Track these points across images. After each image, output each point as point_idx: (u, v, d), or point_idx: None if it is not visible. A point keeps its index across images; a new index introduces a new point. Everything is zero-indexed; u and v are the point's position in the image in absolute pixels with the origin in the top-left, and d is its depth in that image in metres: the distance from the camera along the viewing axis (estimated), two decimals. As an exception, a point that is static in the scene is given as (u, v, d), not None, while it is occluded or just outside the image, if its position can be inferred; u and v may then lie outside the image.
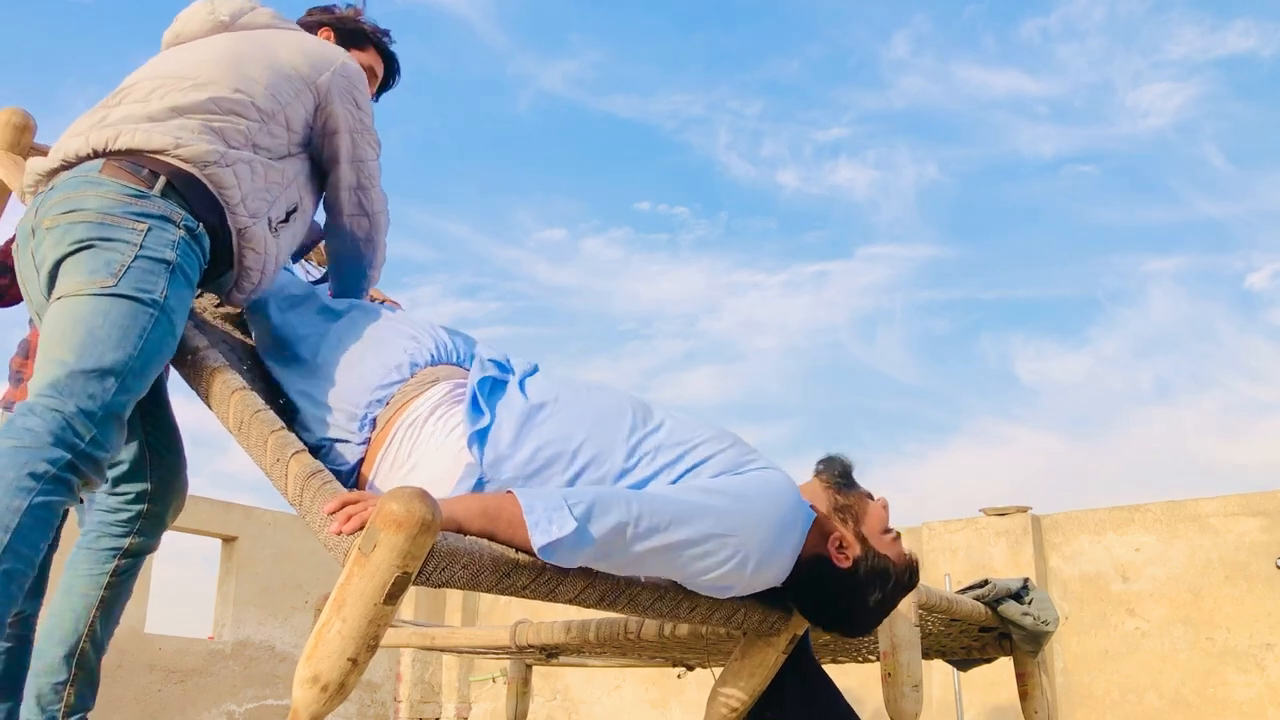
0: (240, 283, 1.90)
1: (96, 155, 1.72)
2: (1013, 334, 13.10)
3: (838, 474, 1.87)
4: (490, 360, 1.82)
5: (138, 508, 1.94)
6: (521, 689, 3.95)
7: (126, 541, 1.93)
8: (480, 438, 1.64)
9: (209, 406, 1.77)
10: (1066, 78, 12.59)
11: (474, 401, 1.69)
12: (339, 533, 1.34)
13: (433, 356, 1.85)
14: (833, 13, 13.27)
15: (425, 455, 1.68)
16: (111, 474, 1.94)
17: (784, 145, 13.59)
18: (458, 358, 1.90)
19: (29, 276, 1.77)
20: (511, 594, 1.45)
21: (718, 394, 13.97)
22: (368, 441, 1.75)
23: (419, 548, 1.23)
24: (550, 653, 3.41)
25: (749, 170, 13.55)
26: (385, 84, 2.41)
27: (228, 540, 6.36)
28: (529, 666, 3.96)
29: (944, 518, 5.89)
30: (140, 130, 1.72)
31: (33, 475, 1.45)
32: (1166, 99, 12.37)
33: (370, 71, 2.29)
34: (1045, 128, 12.60)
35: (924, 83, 12.95)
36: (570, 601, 1.52)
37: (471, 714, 7.21)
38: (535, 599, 1.49)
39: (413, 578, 1.27)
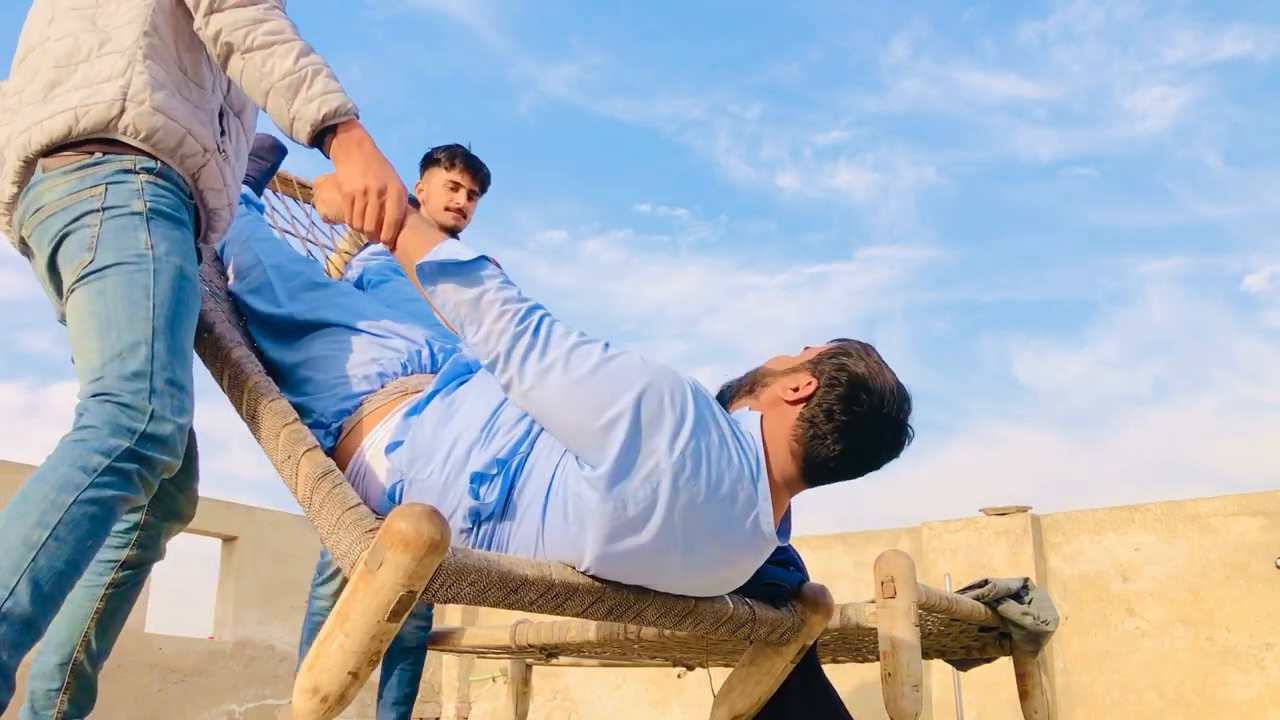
0: (208, 234, 1.83)
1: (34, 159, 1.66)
2: (1012, 335, 13.08)
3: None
4: (462, 363, 1.78)
5: (133, 518, 1.89)
6: (521, 689, 3.94)
7: (123, 554, 1.88)
8: (397, 444, 1.61)
9: (223, 389, 1.73)
10: (1064, 81, 12.57)
11: (412, 409, 1.67)
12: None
13: (404, 366, 1.82)
14: (832, 16, 13.24)
15: (364, 476, 1.65)
16: None
17: (784, 148, 13.57)
18: (434, 365, 1.86)
19: (44, 290, 1.75)
20: (520, 609, 1.43)
21: (718, 394, 13.94)
22: (333, 449, 1.72)
23: (425, 568, 1.22)
24: (550, 653, 3.40)
25: (749, 173, 13.52)
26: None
27: (228, 540, 6.34)
28: (529, 666, 3.95)
29: (944, 518, 5.89)
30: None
31: (84, 469, 1.40)
32: (1164, 102, 12.35)
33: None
34: (1044, 131, 12.59)
35: (923, 86, 12.93)
36: (579, 615, 1.49)
37: (471, 714, 7.21)
38: (543, 614, 1.48)
39: (418, 596, 1.25)
